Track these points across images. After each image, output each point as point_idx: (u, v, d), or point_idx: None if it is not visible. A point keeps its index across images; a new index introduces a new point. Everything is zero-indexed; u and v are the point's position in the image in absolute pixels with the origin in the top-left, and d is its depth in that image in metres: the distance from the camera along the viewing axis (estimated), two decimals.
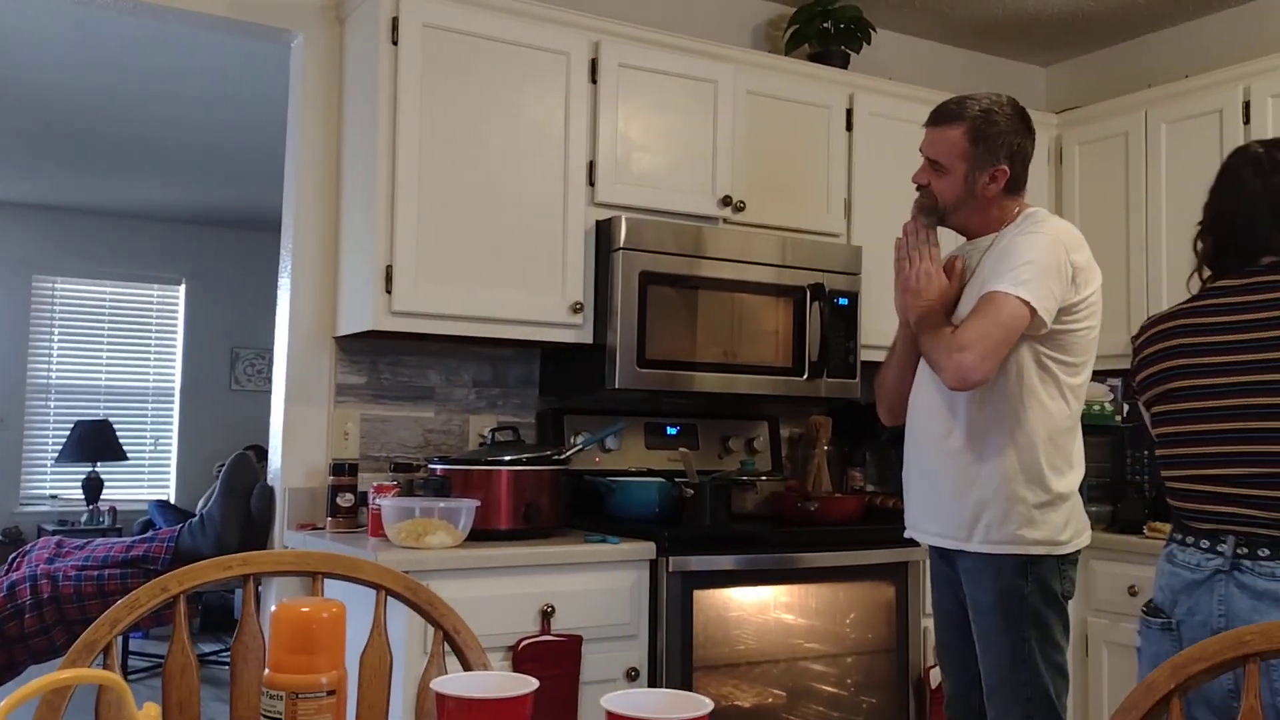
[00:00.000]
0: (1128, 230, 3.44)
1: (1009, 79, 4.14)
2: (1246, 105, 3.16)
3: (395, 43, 2.69)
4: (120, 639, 1.85)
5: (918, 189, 2.24)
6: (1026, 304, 2.00)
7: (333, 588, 1.48)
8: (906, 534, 2.30)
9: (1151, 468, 3.45)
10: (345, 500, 2.78)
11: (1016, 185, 2.19)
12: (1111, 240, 3.47)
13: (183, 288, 7.68)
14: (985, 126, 2.14)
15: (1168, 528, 2.99)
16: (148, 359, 7.64)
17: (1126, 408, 3.43)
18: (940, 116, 2.20)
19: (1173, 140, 3.35)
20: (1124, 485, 3.43)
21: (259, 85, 4.48)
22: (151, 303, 7.67)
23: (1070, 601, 2.14)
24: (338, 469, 2.80)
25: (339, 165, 2.98)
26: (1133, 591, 3.04)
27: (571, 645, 2.49)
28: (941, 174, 2.18)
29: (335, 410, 2.95)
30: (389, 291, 2.66)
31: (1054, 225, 2.13)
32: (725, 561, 2.71)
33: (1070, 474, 2.13)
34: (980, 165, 2.14)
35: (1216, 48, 3.61)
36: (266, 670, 1.12)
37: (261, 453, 3.29)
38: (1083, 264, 2.10)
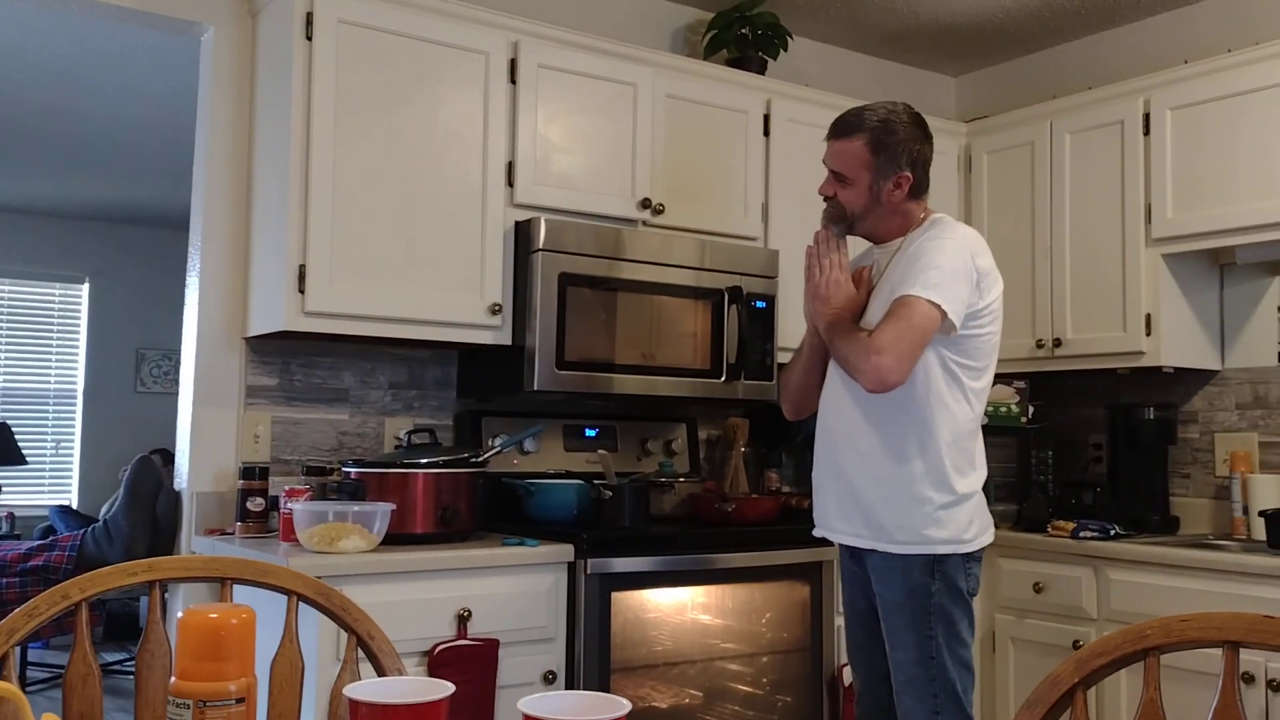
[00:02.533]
0: (1033, 237, 3.54)
1: (920, 88, 4.23)
2: (1146, 117, 3.27)
3: (310, 38, 2.64)
4: (18, 649, 1.79)
5: (825, 200, 2.29)
6: (937, 307, 2.06)
7: (242, 594, 1.45)
8: (815, 532, 2.34)
9: (1056, 468, 3.55)
10: (255, 505, 2.72)
11: (919, 190, 2.26)
12: (1017, 246, 3.56)
13: (86, 286, 7.45)
14: (885, 136, 2.20)
15: (1071, 526, 3.10)
16: (49, 360, 7.39)
17: (1032, 409, 3.53)
18: (840, 129, 2.25)
19: (1076, 150, 3.46)
20: (1029, 485, 3.53)
21: (166, 78, 4.36)
22: (53, 302, 7.43)
23: (975, 598, 2.19)
24: (248, 472, 2.73)
25: (250, 162, 2.92)
26: (1038, 588, 3.12)
27: (488, 649, 2.48)
28: (846, 185, 2.24)
29: (245, 412, 2.89)
30: (302, 291, 2.61)
31: (960, 231, 2.20)
32: (643, 563, 2.71)
33: (973, 475, 2.19)
34: (883, 173, 2.20)
35: (1118, 61, 3.74)
36: (173, 678, 1.09)
37: (168, 456, 3.21)
38: (987, 269, 2.17)
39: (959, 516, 2.14)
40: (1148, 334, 3.25)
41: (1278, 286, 3.44)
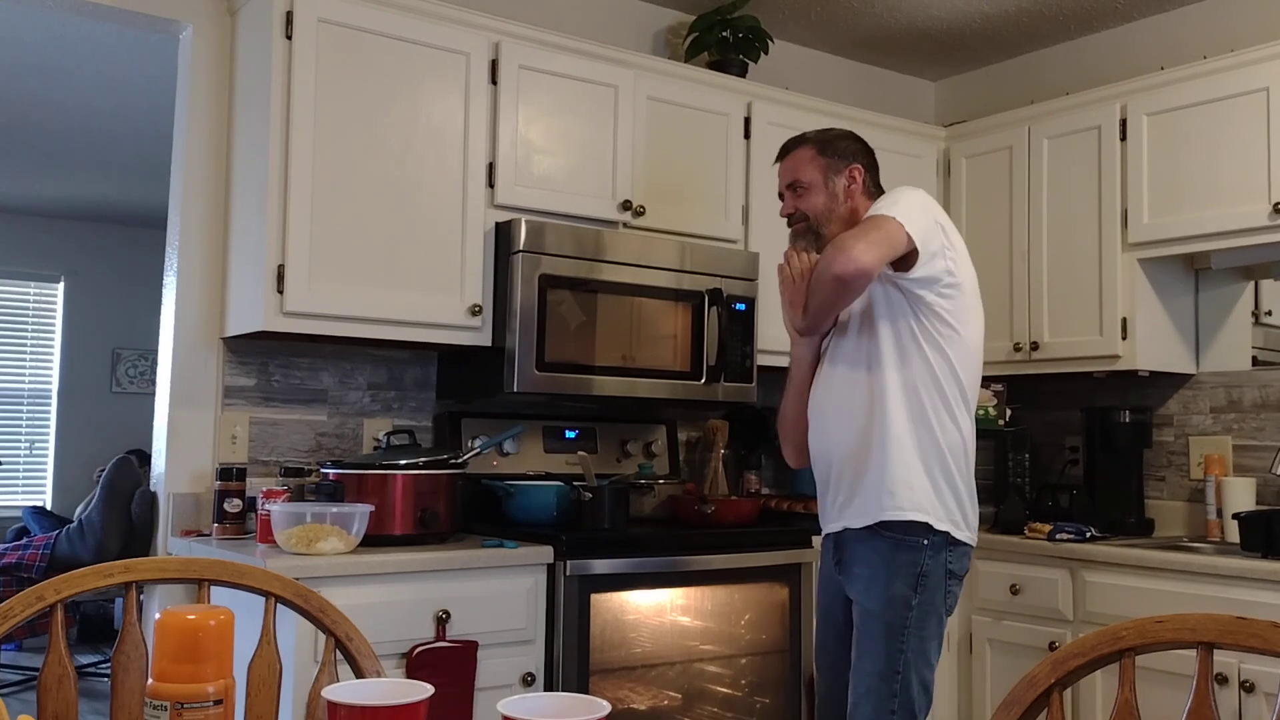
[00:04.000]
0: (1011, 241, 3.57)
1: (900, 92, 4.25)
2: (1123, 122, 3.30)
3: (289, 37, 2.63)
4: None
5: (789, 222, 2.34)
6: (902, 226, 2.08)
7: (219, 595, 1.44)
8: (823, 525, 2.32)
9: (1032, 471, 3.58)
10: (233, 506, 2.70)
11: (873, 192, 2.31)
12: (996, 250, 3.59)
13: (61, 285, 7.39)
14: (825, 137, 2.34)
15: (1047, 528, 3.13)
16: (23, 359, 7.33)
17: (1009, 412, 3.55)
18: (785, 148, 2.38)
19: (1054, 154, 3.49)
20: (1006, 487, 3.55)
21: (143, 75, 4.33)
22: (28, 301, 7.36)
23: (948, 619, 2.19)
24: (225, 473, 2.72)
25: (229, 161, 2.90)
26: (1014, 590, 3.14)
27: (467, 651, 2.47)
28: (804, 192, 2.30)
29: (223, 413, 2.87)
30: (280, 291, 2.60)
31: (918, 189, 2.23)
32: (623, 565, 2.71)
33: (961, 463, 2.18)
34: (835, 169, 2.29)
35: (1096, 66, 3.77)
36: (150, 680, 1.09)
37: (144, 457, 3.19)
38: (949, 226, 2.20)
39: (947, 501, 2.14)
40: (1123, 338, 3.27)
41: (1251, 291, 3.48)
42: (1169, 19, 3.61)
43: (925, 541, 2.13)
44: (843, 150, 2.30)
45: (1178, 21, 3.58)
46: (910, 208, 2.12)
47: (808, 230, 2.29)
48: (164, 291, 2.98)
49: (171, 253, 2.93)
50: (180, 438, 2.83)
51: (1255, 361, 3.40)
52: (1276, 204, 2.92)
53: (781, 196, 2.36)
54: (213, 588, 1.44)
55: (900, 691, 2.09)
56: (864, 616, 2.16)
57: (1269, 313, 3.50)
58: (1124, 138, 3.30)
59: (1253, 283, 3.48)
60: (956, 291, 2.17)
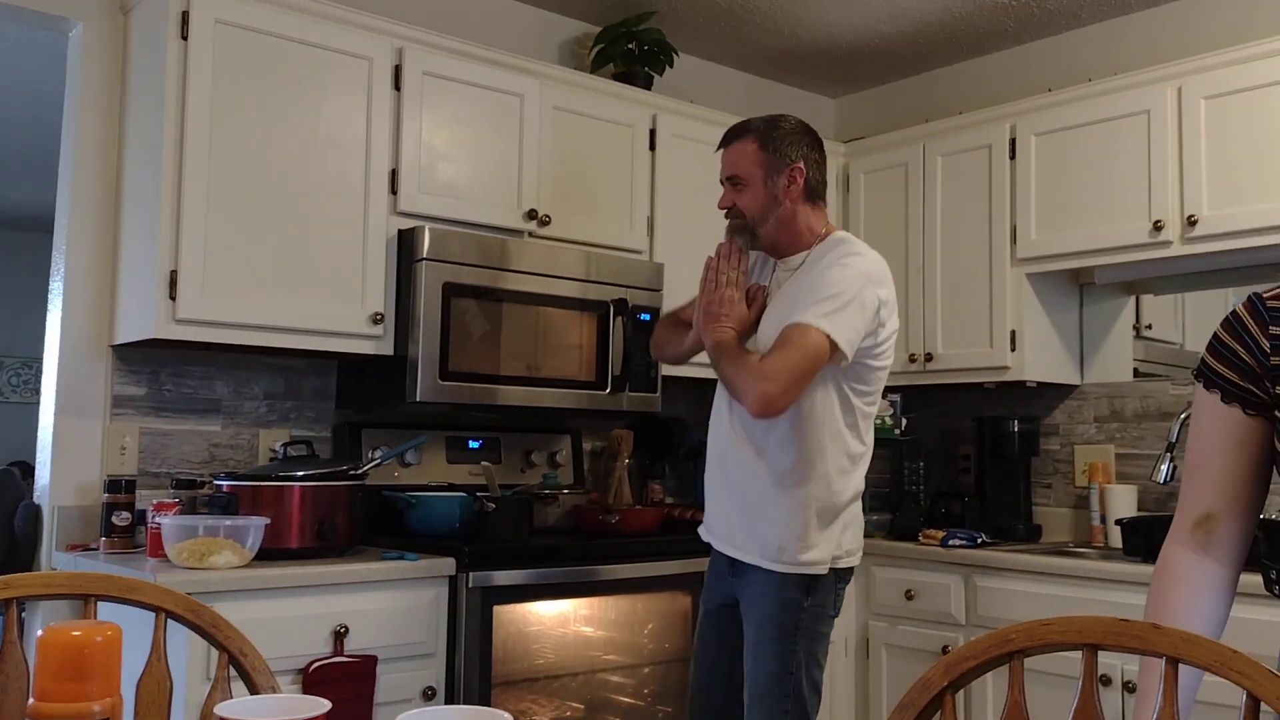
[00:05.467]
0: (907, 254, 3.66)
1: (801, 108, 4.32)
2: (1013, 141, 3.42)
3: (185, 38, 2.57)
4: None
5: (726, 215, 2.30)
6: (829, 337, 2.06)
7: (107, 612, 1.40)
8: (700, 530, 2.35)
9: (927, 479, 3.67)
10: (121, 519, 2.62)
11: (815, 192, 2.28)
12: (892, 264, 3.56)
13: None
14: (772, 131, 2.25)
15: (941, 534, 3.21)
16: None
17: (905, 422, 3.64)
18: (729, 135, 2.30)
19: (947, 172, 3.59)
20: (902, 495, 3.63)
21: (29, 74, 4.17)
22: None
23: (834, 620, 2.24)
24: (113, 486, 2.63)
25: (121, 163, 2.81)
26: (909, 595, 3.22)
27: (365, 665, 2.43)
28: (742, 188, 2.25)
29: (111, 423, 2.77)
30: (173, 298, 2.52)
31: (864, 259, 2.19)
32: (526, 575, 2.70)
33: (855, 498, 2.23)
34: (775, 168, 2.23)
35: (988, 87, 3.89)
36: (31, 700, 1.04)
37: (27, 469, 3.06)
38: (886, 299, 2.18)
39: (839, 539, 2.18)
40: (1013, 350, 3.38)
41: (1133, 306, 3.63)
42: (1057, 42, 3.75)
43: None
44: (786, 147, 2.23)
45: (1065, 45, 3.72)
46: (848, 308, 2.08)
47: (744, 228, 2.27)
48: (50, 297, 2.87)
49: (58, 257, 2.83)
50: (66, 449, 2.73)
51: (1136, 373, 3.55)
52: (1157, 222, 3.05)
53: (722, 184, 2.30)
54: (100, 603, 1.39)
55: (793, 692, 2.13)
56: (758, 619, 2.19)
57: (1149, 326, 3.65)
58: (1013, 156, 3.41)
59: (1134, 297, 3.64)
60: (881, 353, 2.20)
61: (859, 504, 2.25)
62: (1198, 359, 1.39)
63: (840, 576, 2.21)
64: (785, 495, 2.16)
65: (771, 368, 2.05)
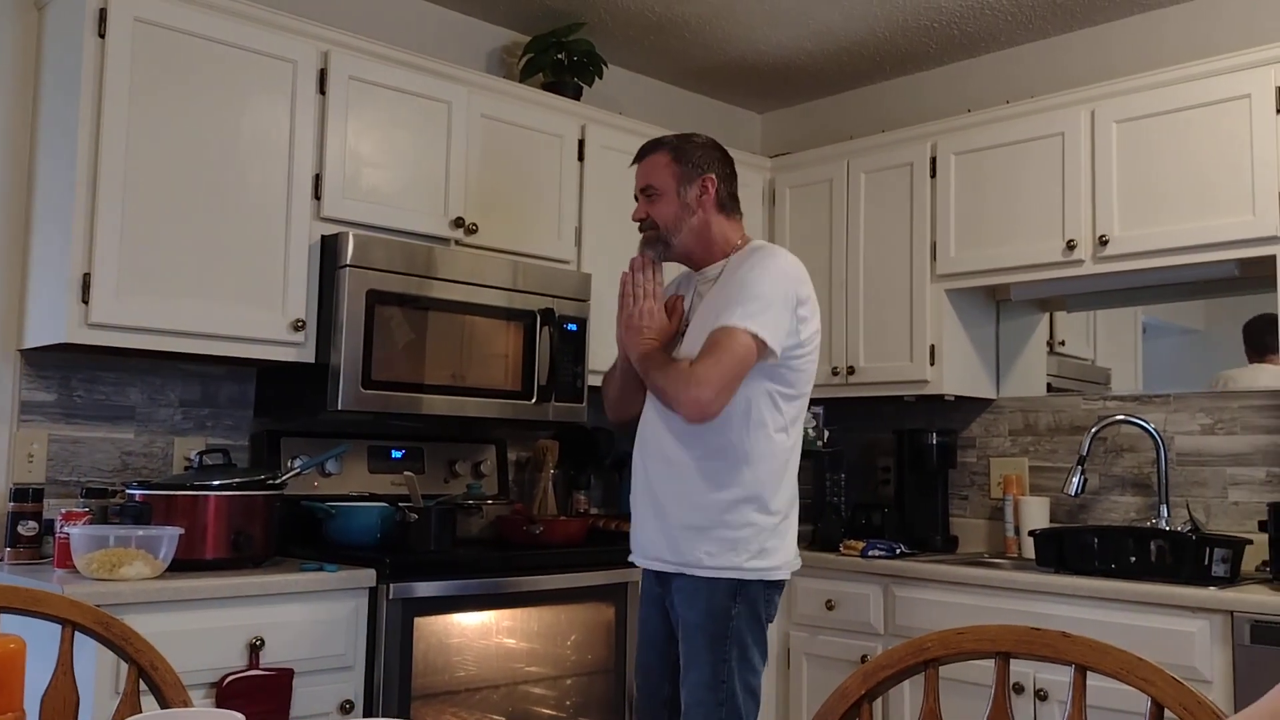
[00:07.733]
0: (830, 269, 3.72)
1: (729, 122, 4.37)
2: (933, 160, 3.49)
3: (103, 35, 2.50)
4: None
5: (640, 228, 2.34)
6: (756, 337, 2.10)
7: (11, 624, 1.35)
8: (630, 558, 2.36)
9: (848, 490, 3.72)
10: (27, 529, 2.53)
11: (729, 205, 2.33)
12: (816, 278, 3.63)
13: None
14: (683, 144, 2.34)
15: (861, 545, 3.25)
16: None
17: (827, 434, 3.69)
18: (643, 150, 2.38)
19: (870, 188, 3.66)
20: (823, 506, 3.68)
21: None
22: None
23: (770, 625, 2.26)
24: (19, 494, 2.54)
25: (32, 163, 2.73)
26: (830, 605, 3.26)
27: (281, 679, 2.38)
28: (656, 198, 2.31)
29: (19, 430, 2.69)
30: (86, 301, 2.46)
31: (782, 259, 2.24)
32: (448, 587, 2.67)
33: (786, 502, 2.24)
34: (688, 178, 2.29)
35: (911, 106, 3.97)
36: None
37: None
38: (807, 297, 2.24)
39: (769, 543, 2.19)
40: (931, 364, 3.45)
41: (1047, 322, 3.73)
42: (977, 64, 3.84)
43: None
44: (698, 159, 2.30)
45: (985, 67, 3.82)
46: (772, 306, 2.13)
47: (657, 239, 2.31)
48: None
49: None
50: None
51: (1050, 388, 3.65)
52: (1070, 241, 3.14)
53: (637, 199, 2.36)
54: (2, 615, 1.35)
55: (727, 700, 2.14)
56: (687, 629, 2.20)
57: (1063, 342, 3.76)
58: (934, 175, 3.49)
59: (1048, 314, 3.74)
60: (805, 352, 2.23)
61: (792, 510, 2.26)
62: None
63: (769, 584, 2.22)
64: (710, 498, 2.18)
65: (703, 372, 2.08)
